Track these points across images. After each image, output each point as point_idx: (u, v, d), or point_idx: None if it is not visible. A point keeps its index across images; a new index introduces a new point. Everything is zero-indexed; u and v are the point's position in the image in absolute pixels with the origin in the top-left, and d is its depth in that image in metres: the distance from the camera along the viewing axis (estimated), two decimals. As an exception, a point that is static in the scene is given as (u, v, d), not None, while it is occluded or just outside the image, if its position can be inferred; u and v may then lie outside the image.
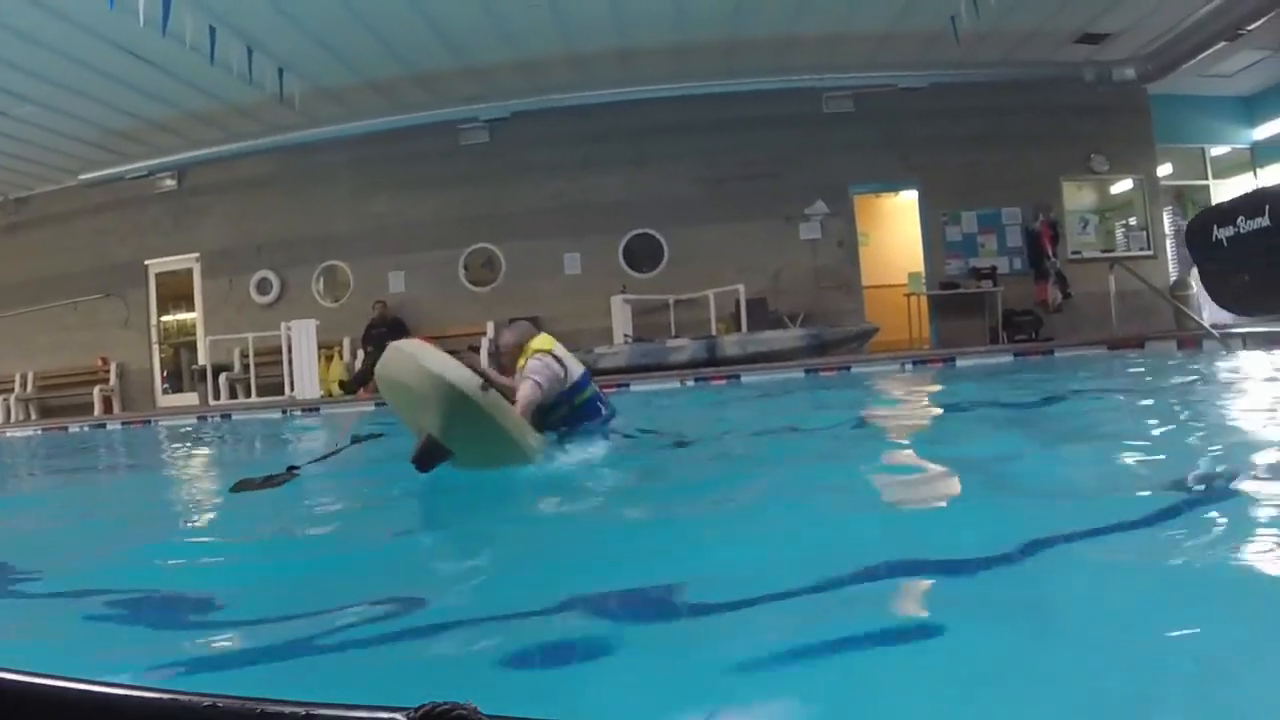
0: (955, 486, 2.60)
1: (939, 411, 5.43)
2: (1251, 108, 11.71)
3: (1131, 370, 6.77)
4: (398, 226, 11.14)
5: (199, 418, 10.21)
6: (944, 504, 2.43)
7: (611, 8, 8.79)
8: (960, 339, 10.23)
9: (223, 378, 10.95)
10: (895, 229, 11.81)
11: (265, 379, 10.85)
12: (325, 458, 3.29)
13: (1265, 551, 1.55)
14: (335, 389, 10.73)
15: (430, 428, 2.73)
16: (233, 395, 11.07)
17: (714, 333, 9.84)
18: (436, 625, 1.50)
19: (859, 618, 1.36)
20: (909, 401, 5.95)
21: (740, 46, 9.96)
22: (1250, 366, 6.06)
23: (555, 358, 3.65)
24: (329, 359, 11.00)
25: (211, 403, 11.01)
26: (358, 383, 10.78)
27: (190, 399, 12.06)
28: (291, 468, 3.17)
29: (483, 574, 2.00)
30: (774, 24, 9.48)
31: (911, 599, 1.50)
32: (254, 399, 10.86)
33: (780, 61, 10.31)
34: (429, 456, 2.72)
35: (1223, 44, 9.70)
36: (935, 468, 2.86)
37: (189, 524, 3.00)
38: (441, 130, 10.88)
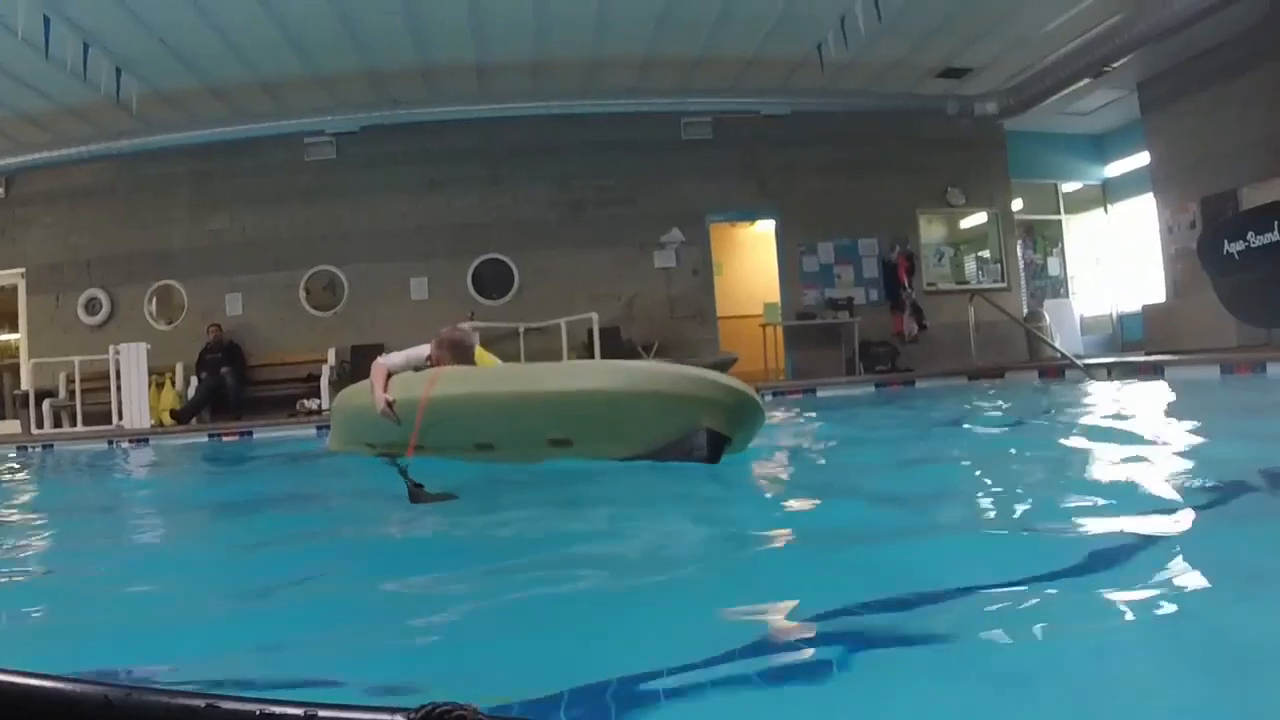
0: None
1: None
2: (1104, 146, 12.05)
3: (1053, 399, 6.62)
4: (236, 245, 10.49)
5: (19, 448, 9.40)
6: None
7: (471, 16, 8.39)
8: (816, 370, 10.17)
9: (46, 404, 10.12)
10: (748, 259, 11.76)
11: (92, 406, 10.06)
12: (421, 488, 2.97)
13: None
14: (166, 418, 10.05)
15: (714, 425, 3.11)
16: (57, 423, 10.25)
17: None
18: (438, 625, 1.51)
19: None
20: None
21: (600, 66, 9.71)
22: (1124, 395, 6.11)
23: None
24: (160, 386, 10.29)
25: (35, 431, 10.16)
26: (190, 412, 10.13)
27: (14, 427, 11.14)
28: (417, 486, 2.96)
29: (483, 575, 1.94)
30: (635, 44, 9.23)
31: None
32: (80, 428, 10.08)
33: (640, 84, 10.11)
34: (719, 448, 3.12)
35: (1087, 80, 9.80)
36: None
37: (183, 530, 2.95)
38: (286, 143, 10.30)
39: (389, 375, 4.33)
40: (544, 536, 2.34)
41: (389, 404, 4.07)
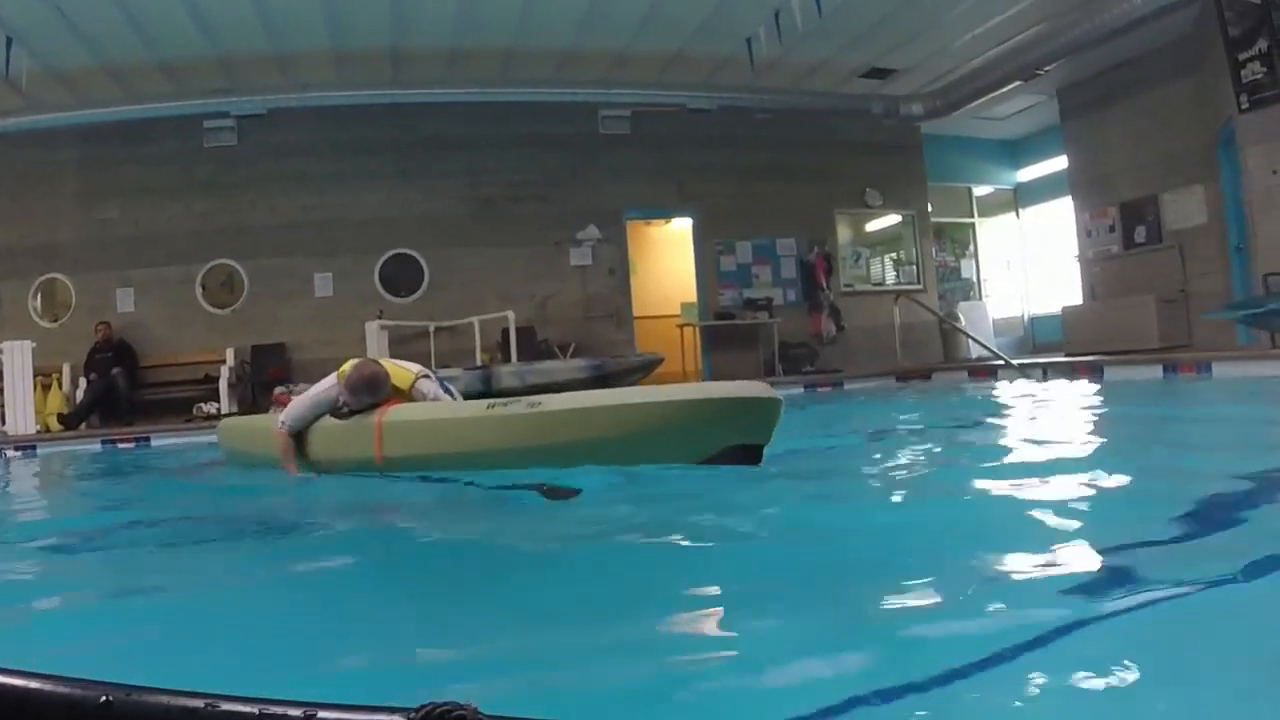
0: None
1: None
2: (1017, 151, 12.30)
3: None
4: (128, 238, 9.89)
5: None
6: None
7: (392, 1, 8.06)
8: (734, 371, 10.11)
9: (-78, 407, 9.45)
10: (664, 258, 11.67)
11: (-28, 409, 9.42)
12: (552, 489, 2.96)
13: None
14: (54, 423, 9.48)
15: (742, 440, 3.11)
16: (-66, 428, 9.58)
17: (479, 363, 9.27)
18: (438, 625, 1.54)
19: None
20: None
21: (520, 57, 9.48)
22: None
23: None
24: (46, 388, 9.69)
25: (-91, 437, 9.47)
26: (80, 416, 9.57)
27: (-113, 431, 10.37)
28: (543, 486, 2.99)
29: (486, 579, 1.95)
30: (559, 36, 9.02)
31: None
32: (-41, 433, 9.44)
33: (560, 76, 9.89)
34: (755, 454, 3.13)
35: (1016, 83, 9.82)
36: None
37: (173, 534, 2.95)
38: (184, 130, 9.77)
39: (296, 434, 3.96)
40: (548, 536, 2.36)
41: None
